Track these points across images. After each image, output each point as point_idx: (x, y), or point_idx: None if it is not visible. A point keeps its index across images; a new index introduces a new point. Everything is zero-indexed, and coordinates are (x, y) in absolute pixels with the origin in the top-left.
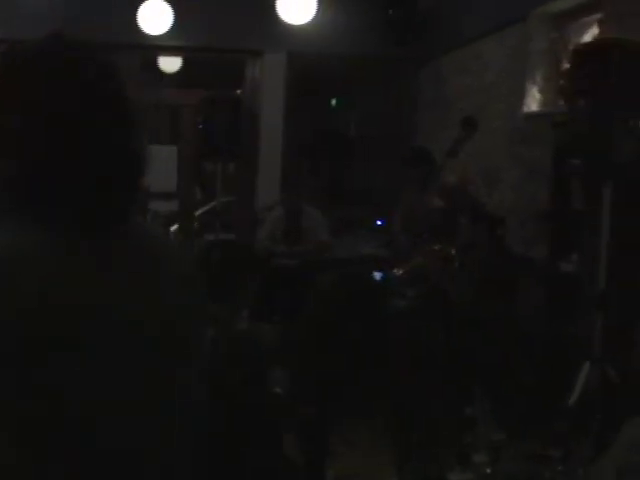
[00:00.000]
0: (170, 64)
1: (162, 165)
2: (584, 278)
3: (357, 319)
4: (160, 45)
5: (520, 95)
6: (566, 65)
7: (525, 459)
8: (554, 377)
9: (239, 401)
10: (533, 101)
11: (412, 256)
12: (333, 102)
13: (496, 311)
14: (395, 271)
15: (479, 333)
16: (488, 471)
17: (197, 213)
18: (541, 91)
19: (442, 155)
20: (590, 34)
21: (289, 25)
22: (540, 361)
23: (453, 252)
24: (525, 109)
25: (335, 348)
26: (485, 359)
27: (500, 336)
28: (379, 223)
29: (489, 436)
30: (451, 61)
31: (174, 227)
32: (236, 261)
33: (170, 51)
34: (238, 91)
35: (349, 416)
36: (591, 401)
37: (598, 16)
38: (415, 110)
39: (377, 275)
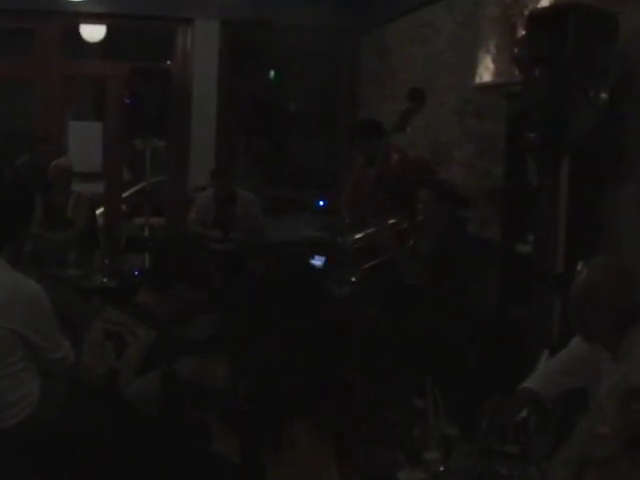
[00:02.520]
0: (93, 33)
1: (86, 143)
2: (540, 260)
3: (292, 306)
4: (82, 12)
5: (472, 65)
6: (521, 32)
7: (480, 455)
8: (510, 366)
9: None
10: (486, 71)
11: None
12: (271, 75)
13: (450, 294)
14: (340, 240)
15: (431, 317)
16: (440, 469)
17: (125, 195)
18: (494, 60)
19: (389, 129)
20: None
21: None
22: (495, 349)
23: (406, 228)
24: (477, 80)
25: (270, 338)
26: (437, 346)
27: (453, 321)
28: (321, 204)
29: (441, 430)
30: (396, 30)
31: (100, 210)
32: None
33: (93, 18)
34: (168, 62)
35: (288, 412)
36: None
37: None
38: (357, 83)
39: (318, 259)
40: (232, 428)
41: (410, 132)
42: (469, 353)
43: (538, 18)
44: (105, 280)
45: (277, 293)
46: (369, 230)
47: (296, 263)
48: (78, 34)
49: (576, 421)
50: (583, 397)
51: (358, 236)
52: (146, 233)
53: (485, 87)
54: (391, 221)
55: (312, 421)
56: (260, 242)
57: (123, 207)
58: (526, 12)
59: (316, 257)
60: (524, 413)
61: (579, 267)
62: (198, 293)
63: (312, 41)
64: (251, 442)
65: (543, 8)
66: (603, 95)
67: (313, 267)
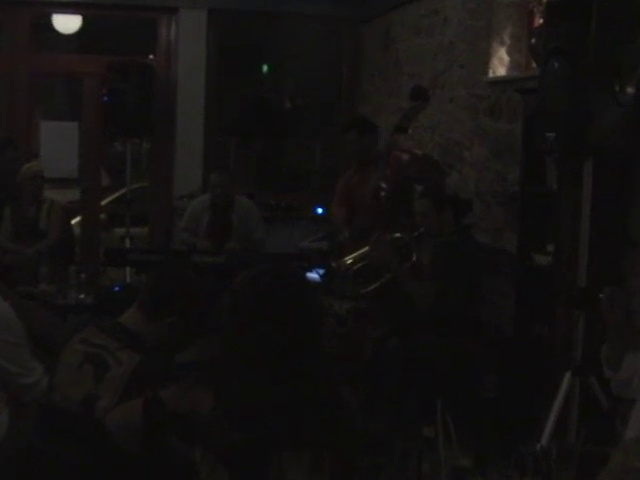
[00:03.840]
0: (68, 24)
1: (60, 146)
2: (560, 273)
3: (279, 326)
4: (54, 1)
5: (485, 58)
6: (539, 20)
7: None
8: (529, 390)
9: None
10: (500, 64)
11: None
12: (264, 69)
13: (460, 312)
14: (334, 264)
15: (441, 338)
16: None
17: (103, 203)
18: (509, 52)
19: (390, 130)
20: None
21: None
22: (511, 371)
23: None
24: (490, 74)
25: (256, 363)
26: (447, 368)
27: (465, 342)
28: (319, 211)
29: (453, 462)
30: (401, 19)
31: (75, 220)
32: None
33: (67, 8)
34: (150, 57)
35: (281, 443)
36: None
37: None
38: (359, 77)
39: (316, 272)
40: (220, 462)
41: (417, 132)
42: (483, 376)
43: (558, 5)
44: (82, 297)
45: (252, 312)
46: (363, 250)
47: (277, 277)
48: (50, 25)
49: (601, 454)
50: (607, 429)
51: (350, 260)
52: (127, 245)
53: (499, 82)
54: (390, 236)
55: (307, 454)
56: (253, 254)
57: (101, 216)
58: None
59: (314, 270)
60: (544, 442)
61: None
62: (193, 325)
63: (309, 32)
64: (241, 477)
65: None
66: (629, 90)
67: (300, 281)
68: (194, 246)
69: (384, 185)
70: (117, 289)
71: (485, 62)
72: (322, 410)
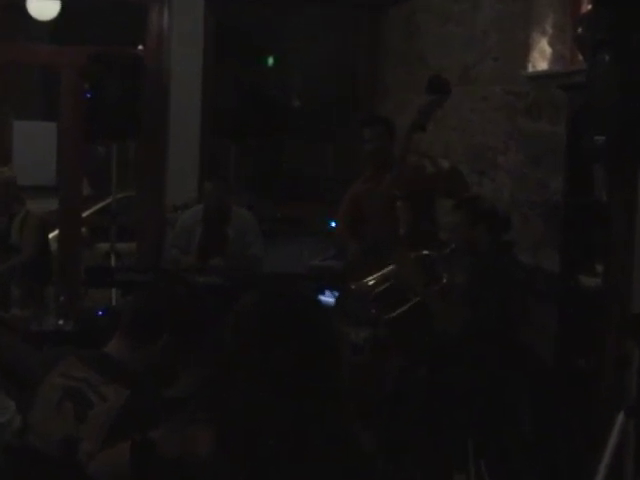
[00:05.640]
0: (44, 10)
1: (35, 149)
2: (611, 296)
3: (284, 345)
4: None
5: (523, 49)
6: (586, 7)
7: None
8: (575, 432)
9: None
10: (541, 57)
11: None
12: (269, 62)
13: (495, 341)
14: (354, 286)
15: (473, 370)
16: None
17: (85, 214)
18: (551, 43)
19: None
20: None
21: None
22: (555, 408)
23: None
24: (530, 68)
25: (259, 381)
26: (480, 405)
27: (501, 374)
28: (333, 225)
29: None
30: (426, 4)
31: (53, 234)
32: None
33: None
34: (139, 47)
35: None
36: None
37: None
38: (379, 70)
39: (329, 295)
40: None
41: (444, 134)
42: (521, 414)
43: None
44: (60, 322)
45: (256, 332)
46: (388, 270)
47: (283, 299)
48: (24, 11)
49: None
50: None
51: (372, 281)
52: (112, 263)
53: (539, 77)
54: (414, 254)
55: None
56: (260, 274)
57: (83, 230)
58: None
59: (328, 292)
60: None
61: None
62: (187, 349)
63: (321, 19)
64: None
65: None
66: None
67: (307, 301)
68: (178, 262)
69: (399, 193)
70: (101, 313)
71: (523, 54)
72: (341, 454)
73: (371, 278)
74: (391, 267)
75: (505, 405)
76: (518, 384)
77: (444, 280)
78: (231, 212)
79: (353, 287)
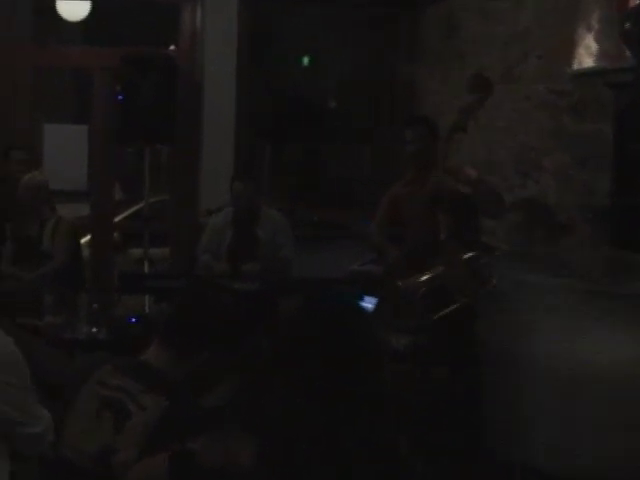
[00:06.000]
0: (74, 10)
1: (66, 152)
2: None
3: (335, 363)
4: None
5: (567, 46)
6: (634, 2)
7: None
8: None
9: None
10: (586, 54)
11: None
12: (304, 62)
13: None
14: (400, 284)
15: None
16: None
17: (117, 219)
18: (597, 39)
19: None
20: None
21: None
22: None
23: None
24: (575, 65)
25: (298, 404)
26: None
27: None
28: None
29: None
30: (466, 1)
31: (85, 239)
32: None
33: None
34: (171, 47)
35: None
36: None
37: None
38: (416, 70)
39: (369, 300)
40: None
41: (486, 135)
42: None
43: None
44: (93, 330)
45: (297, 346)
46: (438, 270)
47: (327, 305)
48: (54, 12)
49: None
50: None
51: (424, 278)
52: (145, 268)
53: (585, 74)
54: (466, 255)
55: None
56: (296, 279)
57: (115, 235)
58: None
59: (366, 298)
60: None
61: None
62: (227, 357)
63: (357, 17)
64: None
65: None
66: None
67: (354, 311)
68: (210, 269)
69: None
70: (134, 321)
71: (568, 51)
72: (366, 449)
73: (421, 275)
74: (440, 268)
75: None
76: None
77: (494, 282)
78: (261, 212)
79: (400, 284)
